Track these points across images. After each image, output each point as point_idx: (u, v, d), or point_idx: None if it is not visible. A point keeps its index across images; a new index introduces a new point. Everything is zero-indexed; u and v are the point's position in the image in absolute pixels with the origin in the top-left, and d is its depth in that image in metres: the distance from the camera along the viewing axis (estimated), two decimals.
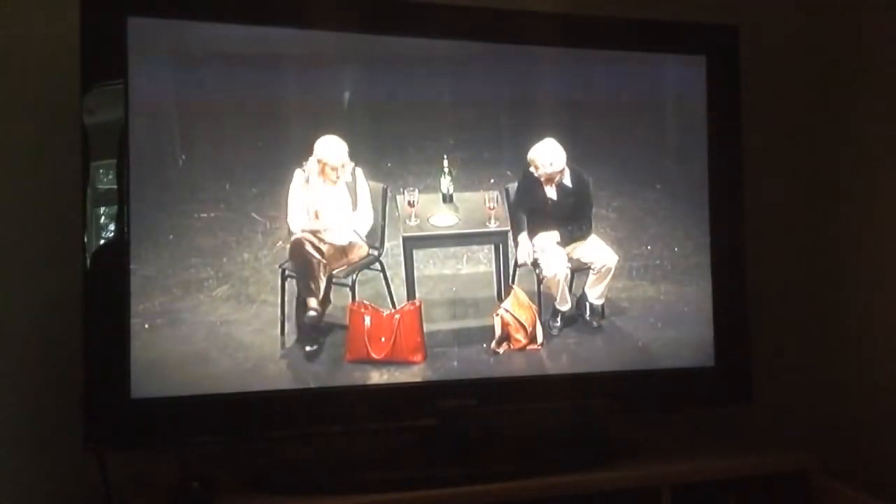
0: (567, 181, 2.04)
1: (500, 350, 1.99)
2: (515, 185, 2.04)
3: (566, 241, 2.06)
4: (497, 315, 1.99)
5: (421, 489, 1.76)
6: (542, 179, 2.03)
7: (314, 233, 1.90)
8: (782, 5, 2.43)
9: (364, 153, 1.93)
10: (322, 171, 1.89)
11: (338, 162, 1.89)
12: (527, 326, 2.00)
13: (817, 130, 2.42)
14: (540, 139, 2.03)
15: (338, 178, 1.90)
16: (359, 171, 1.93)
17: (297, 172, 1.88)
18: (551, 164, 2.01)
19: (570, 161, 2.03)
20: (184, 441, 1.79)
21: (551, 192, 2.04)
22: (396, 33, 1.96)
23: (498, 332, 1.99)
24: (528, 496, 1.82)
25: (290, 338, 1.88)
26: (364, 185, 1.94)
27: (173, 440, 1.79)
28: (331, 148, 1.88)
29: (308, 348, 1.88)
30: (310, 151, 1.89)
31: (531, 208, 2.04)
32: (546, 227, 2.05)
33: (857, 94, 2.31)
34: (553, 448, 1.95)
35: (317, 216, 1.90)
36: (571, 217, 2.06)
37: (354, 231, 1.93)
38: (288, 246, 1.88)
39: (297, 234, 1.88)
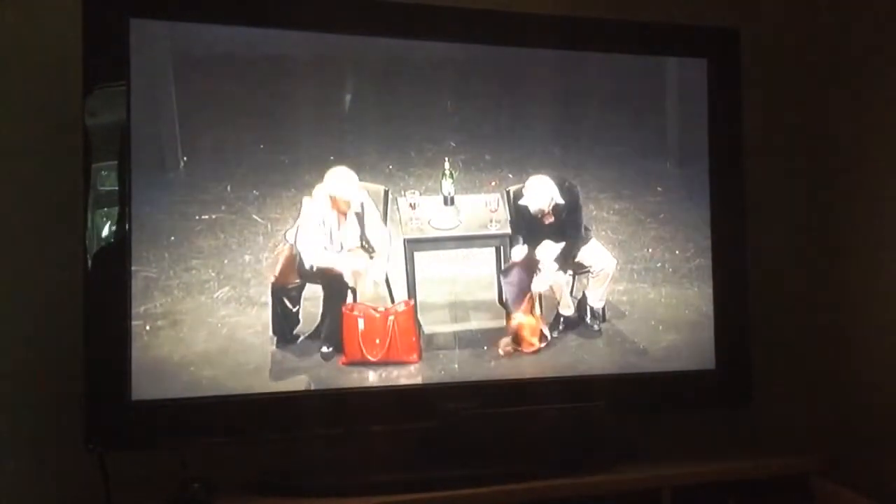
0: (559, 199, 2.03)
1: (507, 350, 1.99)
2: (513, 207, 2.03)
3: (569, 250, 2.06)
4: (514, 318, 2.00)
5: (420, 492, 1.76)
6: (535, 213, 2.03)
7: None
8: (783, 8, 2.43)
9: (365, 155, 1.93)
10: (334, 205, 1.90)
11: (349, 196, 1.90)
12: (536, 331, 2.01)
13: (818, 133, 2.42)
14: (539, 145, 2.04)
15: (349, 209, 1.91)
16: (368, 202, 1.93)
17: (306, 201, 1.88)
18: (543, 203, 2.01)
19: (563, 170, 2.04)
20: (184, 443, 1.79)
21: (548, 219, 2.03)
22: (398, 36, 1.96)
23: (512, 332, 1.99)
24: (528, 499, 1.82)
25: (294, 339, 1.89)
26: (373, 217, 1.94)
27: (174, 442, 1.79)
28: (342, 183, 1.89)
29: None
30: (312, 152, 1.89)
31: (529, 230, 2.03)
32: (549, 238, 2.05)
33: (857, 97, 2.31)
34: (553, 451, 1.94)
35: (332, 244, 1.92)
36: (568, 229, 2.05)
37: (374, 279, 1.95)
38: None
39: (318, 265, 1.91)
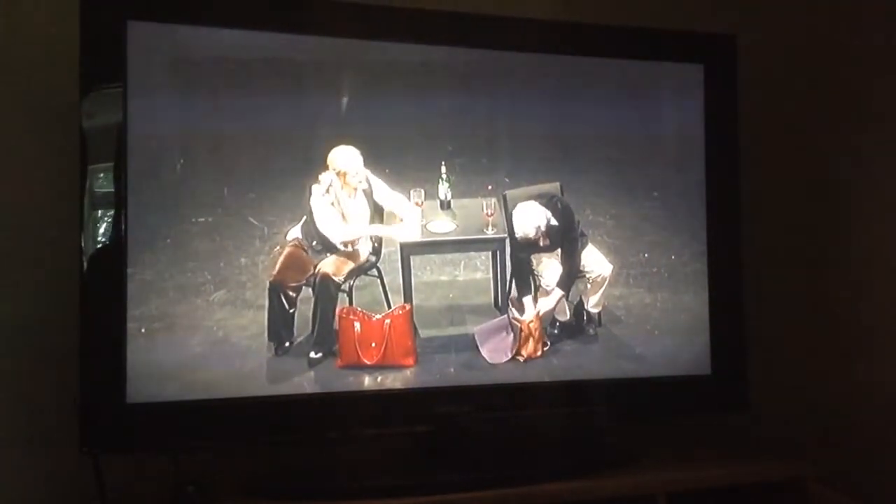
0: (553, 222, 2.02)
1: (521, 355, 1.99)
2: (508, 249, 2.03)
3: (565, 258, 2.06)
4: (519, 322, 2.00)
5: (416, 496, 1.76)
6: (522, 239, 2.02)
7: (346, 243, 1.94)
8: (780, 13, 2.44)
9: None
10: (344, 182, 1.90)
11: (355, 171, 1.90)
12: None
13: (815, 139, 2.42)
14: (536, 149, 2.05)
15: (356, 187, 1.92)
16: (373, 177, 1.93)
17: (315, 187, 1.89)
18: (529, 231, 2.00)
19: (558, 182, 2.04)
20: (180, 445, 1.79)
21: (543, 241, 2.03)
22: (396, 40, 1.96)
23: (521, 336, 1.99)
24: (523, 503, 1.82)
25: (288, 343, 1.88)
26: (382, 189, 1.95)
27: (169, 445, 1.78)
28: (349, 158, 1.90)
29: (313, 354, 1.89)
30: (309, 155, 1.89)
31: (529, 251, 2.03)
32: (546, 251, 2.05)
33: (855, 103, 2.31)
34: (548, 455, 1.94)
35: (345, 222, 1.93)
36: (565, 241, 2.05)
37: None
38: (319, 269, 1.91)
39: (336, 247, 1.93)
